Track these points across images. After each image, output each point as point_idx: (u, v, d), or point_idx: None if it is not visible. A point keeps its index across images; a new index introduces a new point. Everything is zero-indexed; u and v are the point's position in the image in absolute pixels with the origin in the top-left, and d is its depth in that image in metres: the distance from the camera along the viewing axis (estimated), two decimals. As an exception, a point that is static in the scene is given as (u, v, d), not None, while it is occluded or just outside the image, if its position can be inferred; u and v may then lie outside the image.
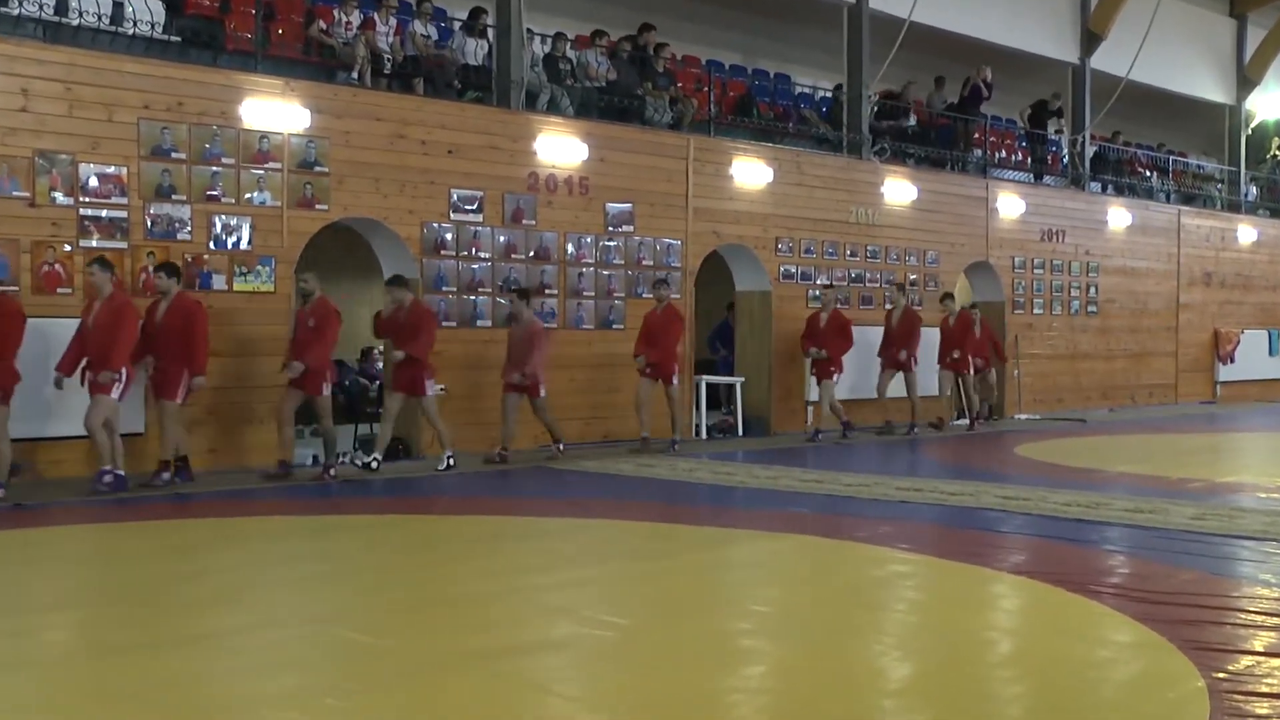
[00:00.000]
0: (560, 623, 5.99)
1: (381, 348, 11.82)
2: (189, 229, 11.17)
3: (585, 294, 14.06)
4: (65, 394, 9.88)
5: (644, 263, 14.55)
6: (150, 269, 10.68)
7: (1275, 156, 27.41)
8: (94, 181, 10.65)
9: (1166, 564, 7.26)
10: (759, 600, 6.69)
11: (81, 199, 10.58)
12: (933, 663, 5.38)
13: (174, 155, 11.08)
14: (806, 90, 18.76)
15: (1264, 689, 4.77)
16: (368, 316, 12.44)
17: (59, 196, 10.47)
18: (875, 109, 18.41)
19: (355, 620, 6.03)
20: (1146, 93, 22.92)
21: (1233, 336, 23.93)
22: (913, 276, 17.76)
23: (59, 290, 10.43)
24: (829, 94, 18.42)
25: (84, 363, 9.85)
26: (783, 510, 9.51)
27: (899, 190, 17.52)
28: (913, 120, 19.11)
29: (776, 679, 5.20)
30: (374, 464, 11.35)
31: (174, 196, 11.09)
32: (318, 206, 11.97)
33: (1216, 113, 25.88)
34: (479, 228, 13.16)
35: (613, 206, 14.28)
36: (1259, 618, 5.95)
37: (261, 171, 11.60)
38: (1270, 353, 24.92)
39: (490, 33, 14.07)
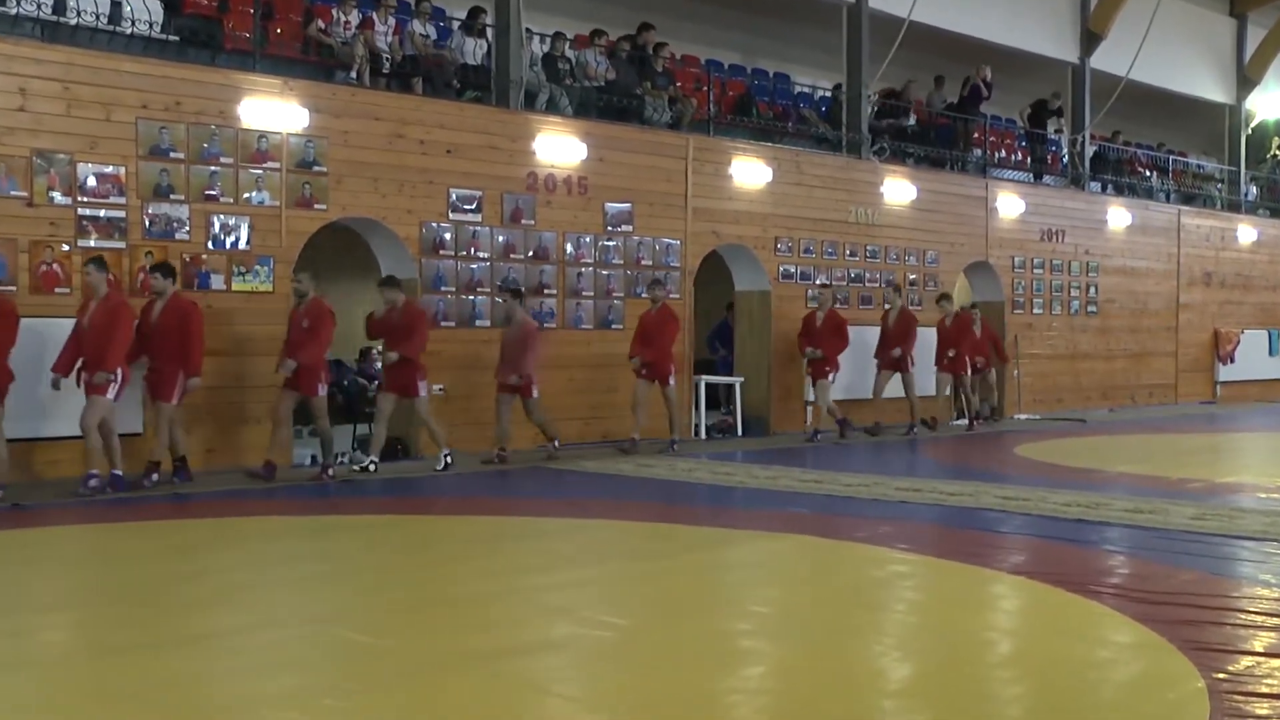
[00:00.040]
0: (560, 623, 5.98)
1: (379, 348, 11.81)
2: (187, 229, 11.16)
3: (584, 294, 14.04)
4: (62, 394, 9.86)
5: (643, 262, 14.54)
6: (146, 269, 10.66)
7: (1275, 156, 27.41)
8: (92, 181, 10.64)
9: (1166, 564, 7.25)
10: (758, 600, 6.68)
11: (79, 199, 10.57)
12: (932, 663, 5.37)
13: (172, 155, 11.07)
14: (806, 90, 18.75)
15: (1264, 689, 4.76)
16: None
17: (57, 196, 10.45)
18: (876, 108, 18.41)
19: (355, 620, 6.02)
20: (1146, 92, 22.91)
21: (1233, 336, 23.92)
22: (912, 276, 17.75)
23: (57, 290, 10.41)
24: (828, 93, 18.41)
25: (79, 363, 9.83)
26: (782, 510, 9.50)
27: (898, 190, 17.51)
28: (912, 120, 19.10)
29: (776, 679, 5.19)
30: (371, 466, 11.34)
31: (172, 196, 11.08)
32: (316, 206, 11.96)
33: (1216, 112, 25.88)
34: (478, 227, 13.14)
35: (612, 206, 14.27)
36: (1259, 618, 5.94)
37: (260, 171, 11.59)
38: (1270, 353, 24.91)
39: (489, 32, 14.06)
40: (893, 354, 15.67)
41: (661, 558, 7.85)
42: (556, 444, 12.56)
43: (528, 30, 14.29)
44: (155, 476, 10.19)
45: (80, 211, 10.58)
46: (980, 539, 8.20)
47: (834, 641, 5.72)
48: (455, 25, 14.17)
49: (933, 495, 10.20)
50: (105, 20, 11.47)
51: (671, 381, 13.45)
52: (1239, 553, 7.75)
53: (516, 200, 13.43)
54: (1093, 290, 21.04)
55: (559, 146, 13.75)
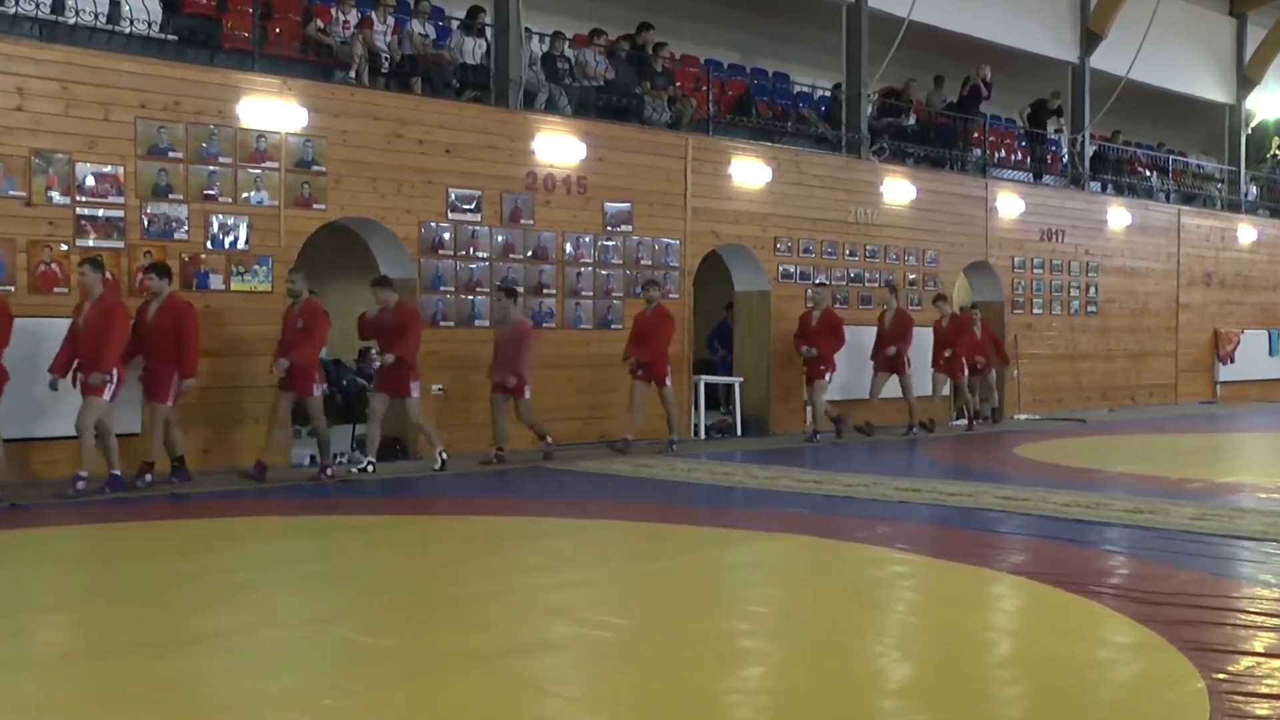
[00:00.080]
0: (559, 623, 5.97)
1: (378, 348, 11.79)
2: (186, 228, 11.15)
3: (583, 294, 14.03)
4: (59, 393, 9.84)
5: (642, 262, 14.53)
6: (142, 269, 10.63)
7: (1275, 156, 27.41)
8: (91, 181, 10.62)
9: (1166, 564, 7.25)
10: (758, 601, 6.67)
11: (78, 198, 10.55)
12: (932, 663, 5.36)
13: (171, 154, 11.06)
14: (805, 89, 18.74)
15: (1264, 690, 4.75)
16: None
17: (55, 196, 10.44)
18: (876, 108, 18.40)
19: (355, 620, 6.01)
20: (1146, 92, 22.90)
21: (1233, 336, 23.92)
22: (912, 276, 17.74)
23: (55, 290, 10.40)
24: (828, 93, 18.40)
25: (76, 364, 9.81)
26: (781, 510, 9.49)
27: (898, 190, 17.50)
28: (912, 119, 19.10)
29: (776, 679, 5.18)
30: (369, 467, 11.33)
31: (171, 196, 11.06)
32: (315, 206, 11.95)
33: (1216, 112, 25.87)
34: (477, 227, 13.13)
35: (611, 206, 14.26)
36: (1259, 618, 5.93)
37: (259, 171, 11.57)
38: (1270, 353, 24.90)
39: (488, 32, 14.05)
40: (888, 352, 15.63)
41: (661, 558, 7.84)
42: (549, 440, 12.51)
43: (527, 30, 14.28)
44: (149, 477, 10.17)
45: (79, 211, 10.57)
46: (980, 539, 8.19)
47: (834, 641, 5.72)
48: (454, 25, 14.17)
49: (932, 495, 10.19)
50: (104, 20, 11.46)
51: (668, 382, 13.42)
52: (1239, 553, 7.74)
53: (515, 200, 13.42)
54: (1092, 290, 21.03)
55: (558, 146, 13.74)
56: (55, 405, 9.96)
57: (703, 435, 15.28)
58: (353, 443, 12.97)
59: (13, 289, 10.14)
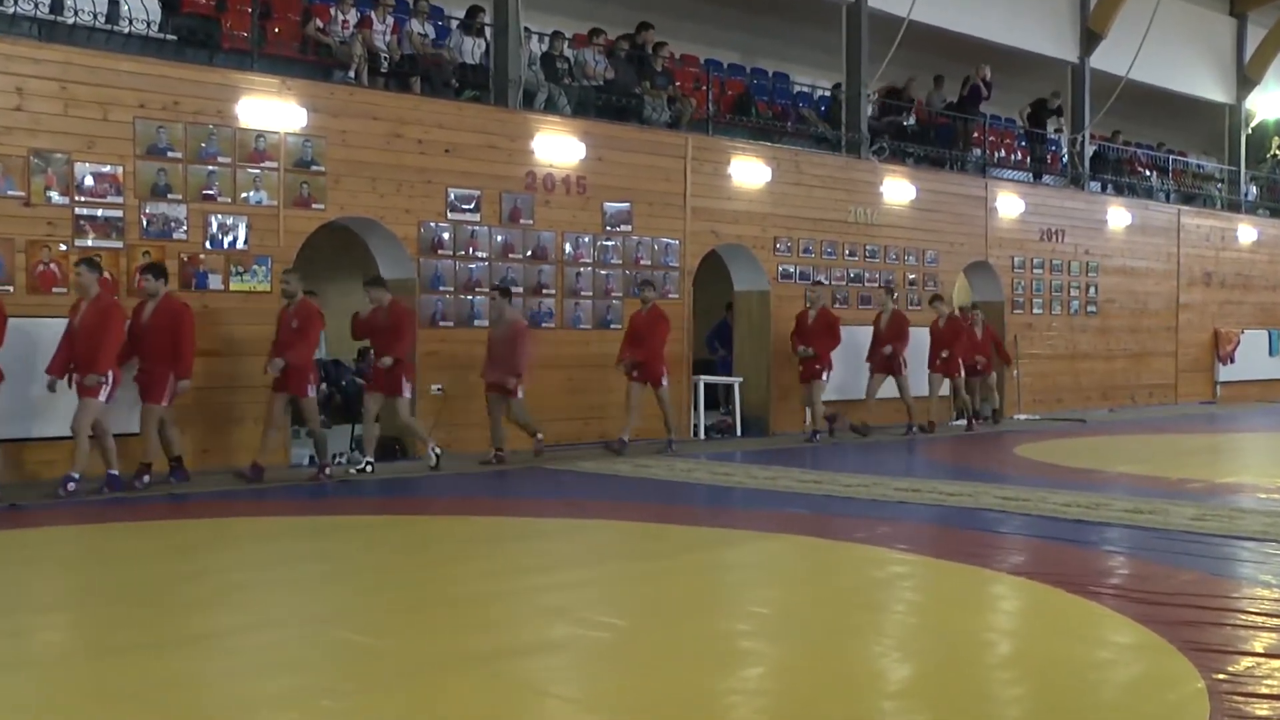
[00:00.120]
0: (559, 624, 5.96)
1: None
2: (185, 228, 11.14)
3: (583, 294, 14.02)
4: (56, 394, 9.82)
5: (642, 262, 14.52)
6: (139, 270, 10.60)
7: (1275, 156, 27.40)
8: (89, 181, 10.61)
9: (1166, 565, 7.24)
10: (757, 601, 6.66)
11: (77, 198, 10.54)
12: (932, 664, 5.35)
13: (170, 154, 11.04)
14: (805, 89, 18.73)
15: (1264, 690, 4.74)
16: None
17: (54, 196, 10.43)
18: (878, 106, 18.39)
19: (354, 621, 6.00)
20: (1146, 92, 22.89)
21: (1233, 336, 23.91)
22: (911, 276, 17.73)
23: (54, 290, 10.38)
24: (828, 93, 18.39)
25: (72, 365, 9.79)
26: (781, 511, 9.48)
27: (898, 190, 17.49)
28: (912, 119, 19.08)
29: (775, 680, 5.17)
30: (367, 468, 11.32)
31: (170, 196, 11.05)
32: (314, 206, 11.93)
33: (1216, 112, 25.86)
34: (476, 227, 13.12)
35: (610, 206, 14.25)
36: (1259, 619, 5.92)
37: (258, 171, 11.56)
38: (1270, 353, 24.89)
39: (488, 31, 14.04)
40: (884, 352, 15.60)
41: (660, 558, 7.83)
42: (540, 438, 12.47)
43: (526, 29, 14.27)
44: (147, 478, 10.16)
45: (78, 211, 10.55)
46: (980, 539, 8.18)
47: (833, 642, 5.71)
48: (453, 24, 14.16)
49: (932, 496, 10.18)
50: (103, 19, 11.45)
51: (664, 383, 13.37)
52: (1239, 553, 7.74)
53: (515, 200, 13.41)
54: (1092, 290, 21.02)
55: (557, 146, 13.73)
56: (52, 405, 9.96)
57: (702, 435, 15.26)
58: (352, 443, 12.95)
59: (11, 289, 10.14)
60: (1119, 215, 21.55)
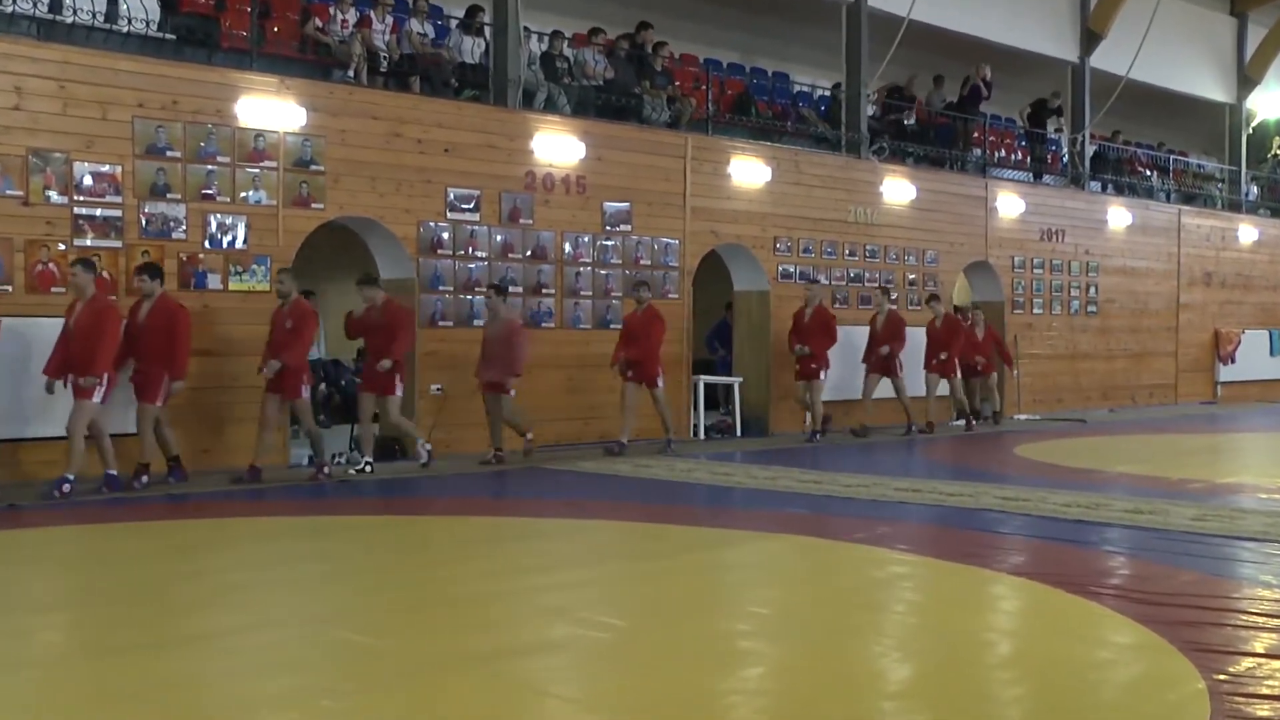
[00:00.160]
0: (558, 624, 5.95)
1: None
2: (184, 228, 11.12)
3: (582, 293, 14.01)
4: (54, 394, 9.79)
5: (641, 262, 14.51)
6: (135, 270, 10.58)
7: (1276, 156, 27.39)
8: (88, 180, 10.60)
9: (1167, 565, 7.23)
10: (757, 601, 6.65)
11: (76, 198, 10.53)
12: (932, 664, 5.34)
13: (169, 154, 11.03)
14: (805, 89, 18.72)
15: (1265, 691, 4.73)
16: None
17: (53, 195, 10.41)
18: (880, 106, 18.38)
19: (353, 621, 6.00)
20: (1146, 92, 22.88)
21: (1233, 337, 23.90)
22: (911, 276, 17.72)
23: (53, 290, 10.37)
24: (827, 93, 18.38)
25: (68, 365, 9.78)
26: (781, 511, 9.47)
27: (898, 189, 17.48)
28: (912, 119, 19.08)
29: (775, 680, 5.16)
30: (367, 468, 11.30)
31: (169, 195, 11.04)
32: (313, 205, 11.92)
33: (1217, 112, 25.85)
34: (476, 227, 13.11)
35: (610, 206, 14.24)
36: (1260, 619, 5.92)
37: (257, 170, 11.55)
38: (1271, 353, 24.88)
39: (487, 31, 14.03)
40: (881, 352, 15.58)
41: (660, 558, 7.82)
42: (530, 438, 12.42)
43: (526, 29, 14.26)
44: (145, 478, 10.14)
45: (76, 211, 10.54)
46: (980, 540, 8.17)
47: (833, 642, 5.70)
48: (453, 24, 14.15)
49: (932, 496, 10.17)
50: (101, 19, 11.43)
51: (660, 384, 13.28)
52: (1240, 554, 7.73)
53: (514, 199, 13.40)
54: (1093, 290, 21.01)
55: (557, 145, 13.72)
56: (49, 405, 9.94)
57: (702, 435, 15.25)
58: (351, 443, 12.94)
59: (10, 289, 10.13)
60: (1119, 215, 21.54)
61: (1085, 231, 20.82)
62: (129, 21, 11.50)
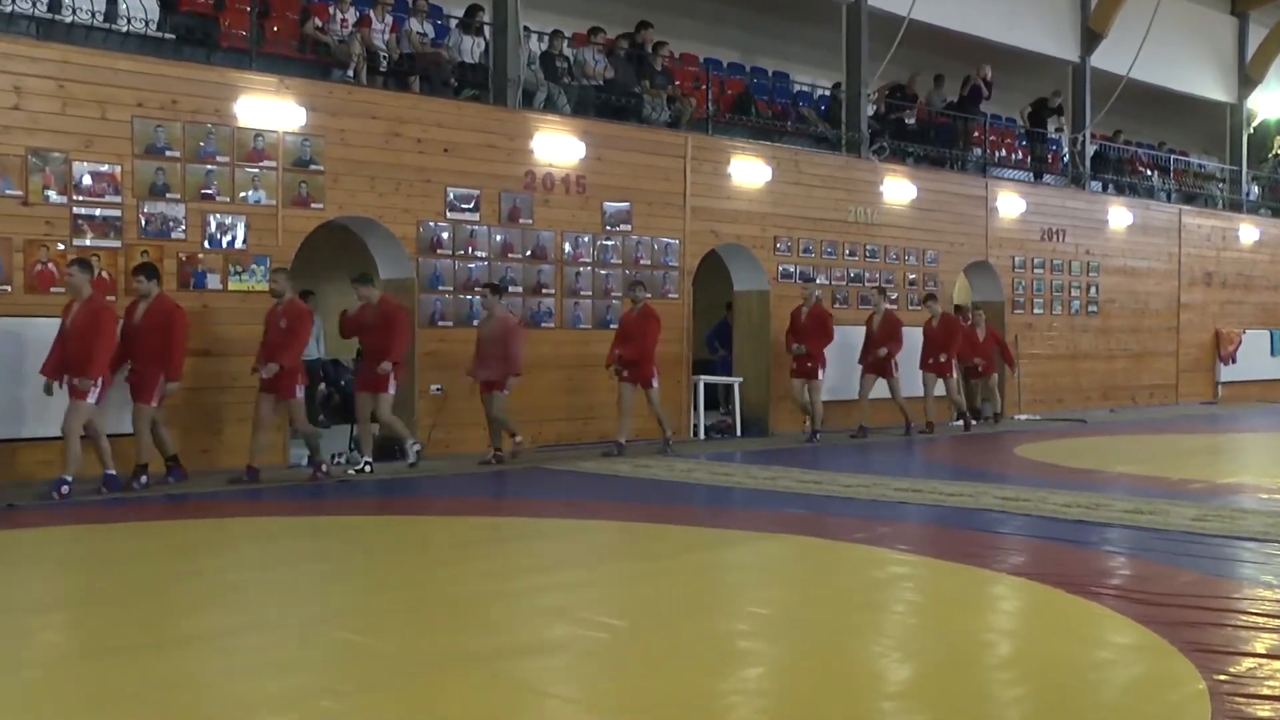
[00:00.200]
0: (558, 624, 5.94)
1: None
2: (183, 228, 11.12)
3: (582, 293, 14.00)
4: (52, 395, 9.78)
5: (641, 262, 14.50)
6: (132, 270, 10.55)
7: (1277, 155, 27.38)
8: (87, 180, 10.59)
9: (1167, 565, 7.22)
10: (757, 602, 6.64)
11: (75, 197, 10.52)
12: (932, 664, 5.33)
13: (168, 153, 11.03)
14: (805, 88, 18.72)
15: (1265, 691, 4.72)
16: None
17: (52, 195, 10.41)
18: (882, 105, 18.37)
19: (353, 621, 5.99)
20: (1147, 91, 22.88)
21: (1234, 337, 23.89)
22: (911, 276, 17.71)
23: (52, 290, 10.36)
24: (828, 92, 18.37)
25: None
26: (781, 511, 9.46)
27: (898, 189, 17.47)
28: (912, 119, 19.07)
29: (775, 681, 5.15)
30: (366, 468, 11.29)
31: (168, 195, 11.03)
32: (313, 205, 11.92)
33: (1218, 111, 25.85)
34: (475, 227, 13.10)
35: (610, 205, 14.23)
36: (1260, 620, 5.90)
37: (256, 170, 11.54)
38: (1272, 353, 24.88)
39: (487, 30, 14.03)
40: (879, 353, 15.55)
41: (660, 558, 7.81)
42: (518, 440, 12.39)
43: (525, 28, 14.25)
44: (144, 478, 10.13)
45: (76, 210, 10.53)
46: (980, 540, 8.15)
47: (833, 642, 5.68)
48: (453, 23, 14.14)
49: (932, 496, 10.16)
50: (101, 18, 11.43)
51: (654, 384, 13.16)
52: (1240, 554, 7.71)
53: (514, 199, 13.39)
54: (1093, 290, 21.00)
55: (557, 145, 13.71)
56: (47, 405, 9.92)
57: (702, 435, 15.24)
58: (350, 442, 12.92)
59: (9, 288, 10.13)
60: (1120, 215, 21.53)
61: (1086, 231, 20.81)
62: (128, 21, 11.50)
